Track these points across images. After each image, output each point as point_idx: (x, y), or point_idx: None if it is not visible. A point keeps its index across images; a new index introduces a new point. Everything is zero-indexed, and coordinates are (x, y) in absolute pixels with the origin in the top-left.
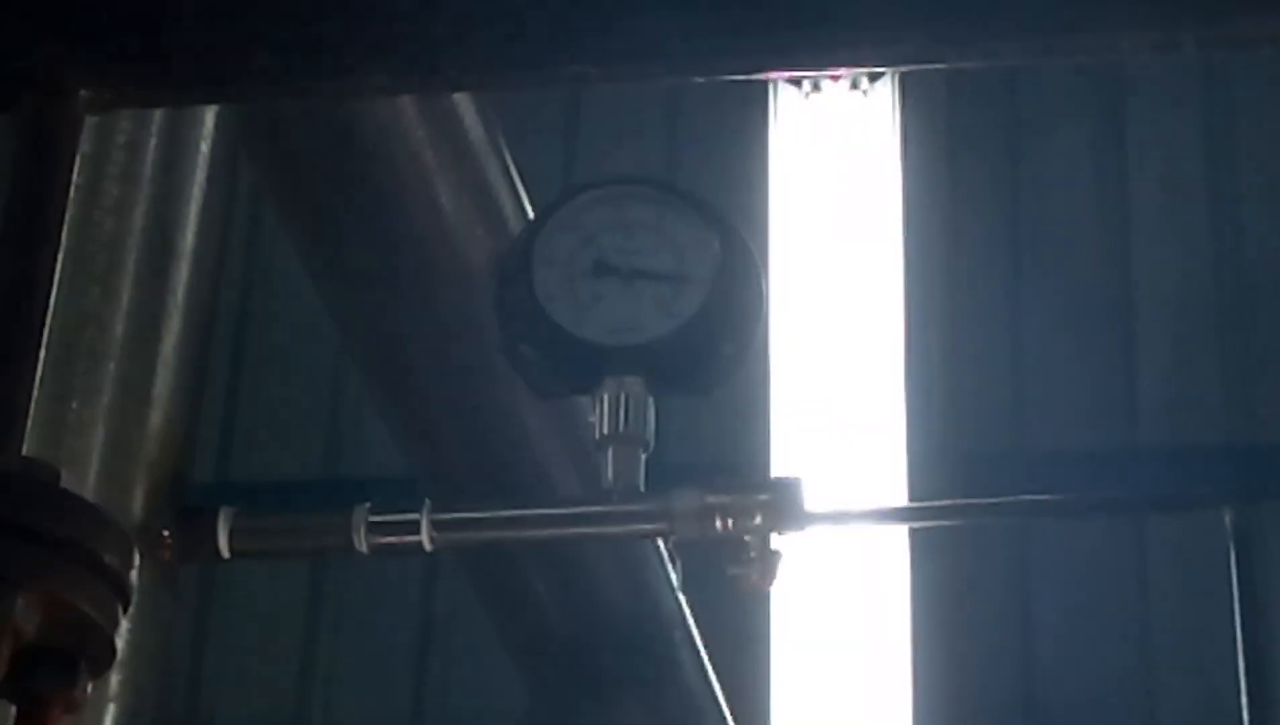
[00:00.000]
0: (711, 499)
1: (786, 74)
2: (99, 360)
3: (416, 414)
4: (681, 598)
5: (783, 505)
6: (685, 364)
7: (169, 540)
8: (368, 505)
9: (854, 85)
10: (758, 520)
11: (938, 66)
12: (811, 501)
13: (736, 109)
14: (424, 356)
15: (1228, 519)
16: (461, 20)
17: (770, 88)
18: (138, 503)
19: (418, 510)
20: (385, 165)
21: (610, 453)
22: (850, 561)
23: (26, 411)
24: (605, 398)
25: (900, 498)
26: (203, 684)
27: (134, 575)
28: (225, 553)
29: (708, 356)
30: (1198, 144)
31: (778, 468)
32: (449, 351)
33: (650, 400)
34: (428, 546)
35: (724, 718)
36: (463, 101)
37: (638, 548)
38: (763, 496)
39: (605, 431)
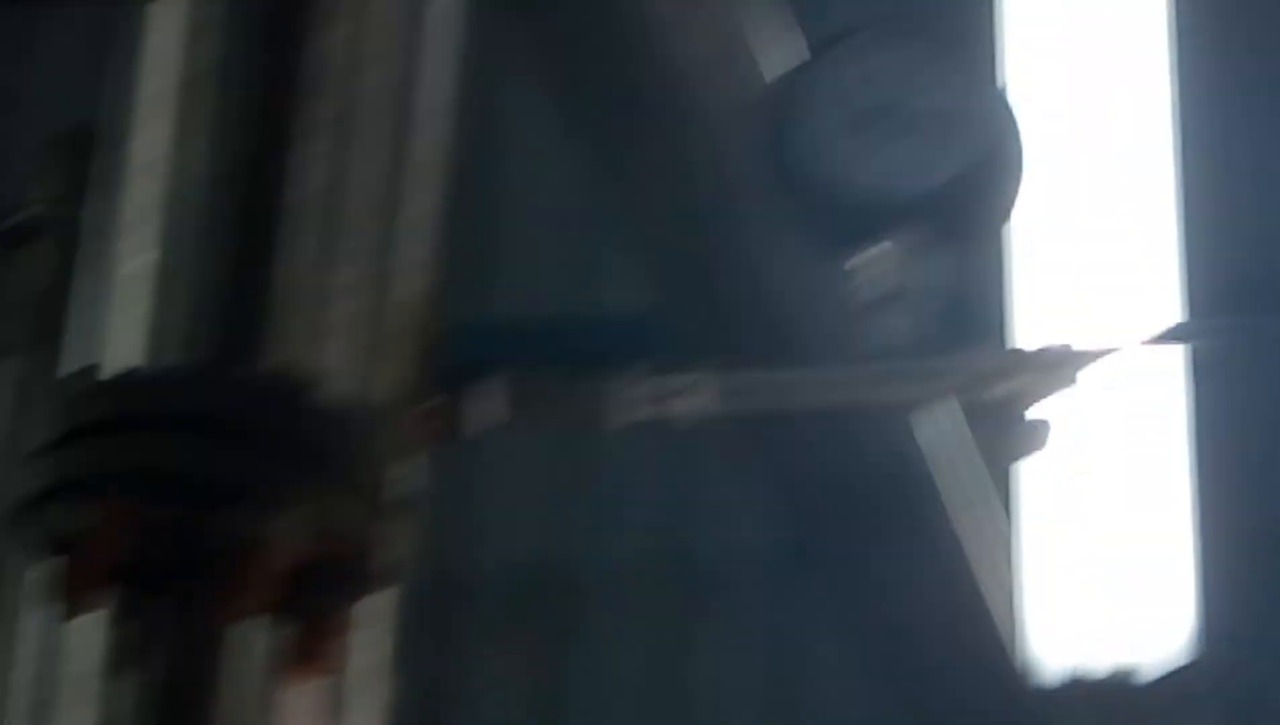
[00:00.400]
0: (1001, 360)
1: None
2: (340, 232)
3: (664, 263)
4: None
5: (1056, 367)
6: (968, 210)
7: (444, 411)
8: (648, 368)
9: None
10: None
11: None
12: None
13: None
14: (669, 202)
15: None
16: None
17: None
18: (399, 376)
19: (698, 372)
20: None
21: (895, 307)
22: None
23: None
24: (887, 249)
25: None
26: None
27: (400, 480)
28: (505, 420)
29: (990, 202)
30: None
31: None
32: (695, 197)
33: (935, 249)
34: (712, 411)
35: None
36: None
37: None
38: (1034, 361)
39: (889, 284)
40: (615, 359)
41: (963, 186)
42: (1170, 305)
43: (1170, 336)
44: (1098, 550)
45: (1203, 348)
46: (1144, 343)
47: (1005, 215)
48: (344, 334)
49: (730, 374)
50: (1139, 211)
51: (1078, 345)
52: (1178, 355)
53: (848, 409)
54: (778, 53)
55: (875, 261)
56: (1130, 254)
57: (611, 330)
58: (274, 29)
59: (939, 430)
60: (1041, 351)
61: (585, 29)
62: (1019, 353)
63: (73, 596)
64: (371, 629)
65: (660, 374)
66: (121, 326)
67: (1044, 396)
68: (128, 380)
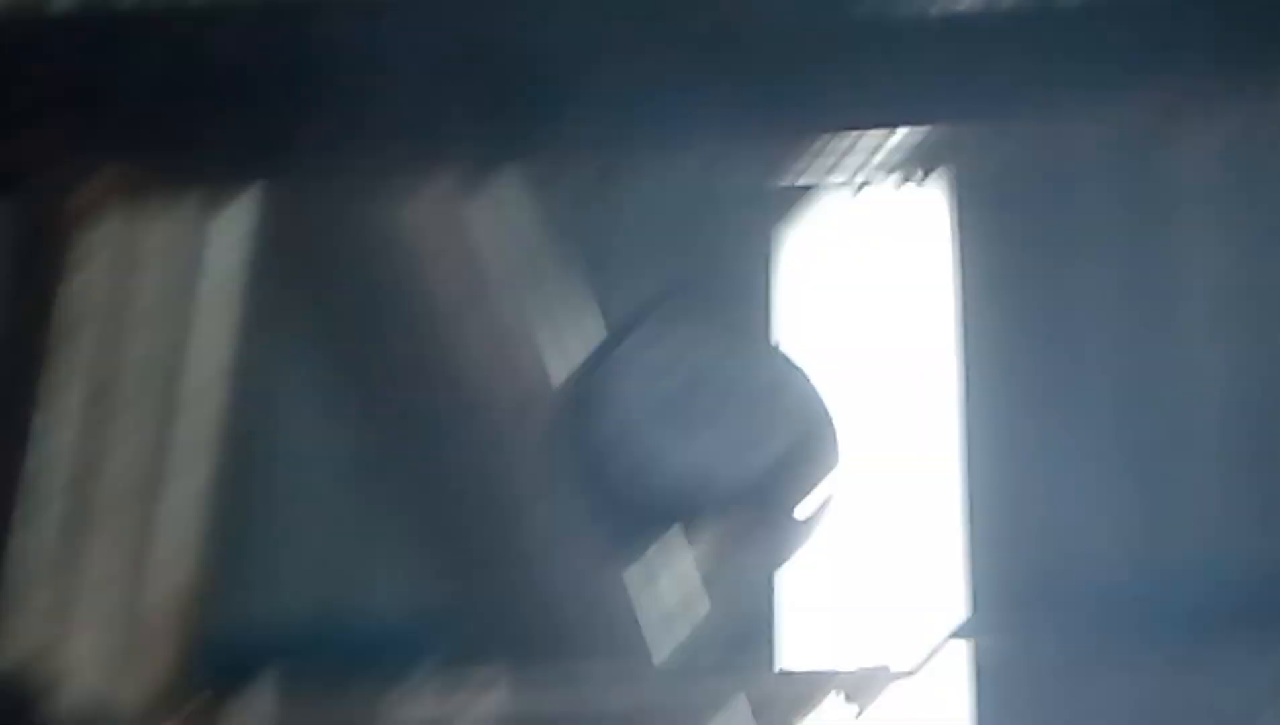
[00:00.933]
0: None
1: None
2: (103, 513)
3: (441, 558)
4: None
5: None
6: (758, 521)
7: (206, 715)
8: (425, 669)
9: (904, 182)
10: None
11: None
12: None
13: (780, 204)
14: (448, 501)
15: None
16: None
17: (816, 184)
18: (156, 677)
19: (478, 673)
20: (417, 286)
21: (678, 612)
22: None
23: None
24: (674, 553)
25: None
26: None
27: None
28: None
29: (782, 515)
30: (1243, 246)
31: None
32: (474, 498)
33: (724, 556)
34: (493, 713)
35: None
36: (508, 221)
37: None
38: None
39: (674, 590)
40: (397, 659)
41: (777, 475)
42: (954, 604)
43: (954, 635)
44: None
45: (986, 647)
46: (922, 651)
47: (810, 528)
48: (95, 628)
49: (517, 674)
50: (922, 511)
51: (852, 667)
52: (960, 653)
53: (636, 714)
54: (573, 339)
55: (673, 555)
56: (915, 553)
57: (393, 629)
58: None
59: None
60: (817, 675)
61: (366, 316)
62: (794, 675)
63: None
64: None
65: (444, 674)
66: None
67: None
68: None
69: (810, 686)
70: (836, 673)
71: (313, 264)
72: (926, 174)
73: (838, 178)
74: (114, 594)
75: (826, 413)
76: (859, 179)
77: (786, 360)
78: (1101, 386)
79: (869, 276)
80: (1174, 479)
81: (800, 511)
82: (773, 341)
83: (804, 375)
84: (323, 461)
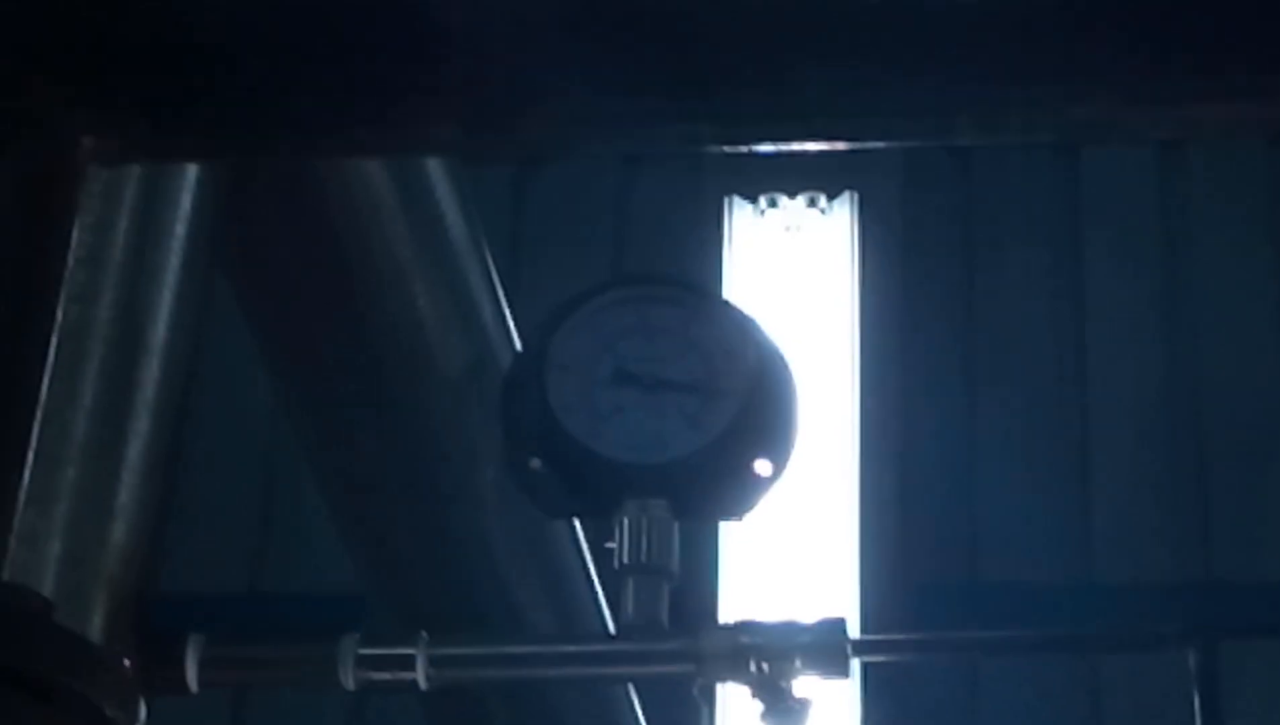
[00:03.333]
0: (746, 639)
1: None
2: (57, 465)
3: (374, 532)
4: None
5: (826, 648)
6: (714, 485)
7: (130, 670)
8: (357, 635)
9: (811, 203)
10: (797, 664)
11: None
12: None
13: (688, 226)
14: (386, 471)
15: (1192, 660)
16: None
17: (725, 203)
18: (96, 626)
19: (411, 643)
20: (358, 259)
21: (630, 583)
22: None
23: (9, 530)
24: (625, 521)
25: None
26: None
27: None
28: (194, 686)
29: (739, 477)
30: (1155, 274)
31: (727, 591)
32: (415, 466)
33: (675, 525)
34: (423, 684)
35: None
36: (445, 196)
37: (610, 686)
38: (804, 638)
39: (625, 560)
40: (321, 628)
41: (707, 460)
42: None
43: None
44: None
45: (874, 662)
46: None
47: (760, 490)
48: (59, 569)
49: (444, 647)
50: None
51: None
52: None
53: (563, 685)
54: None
55: (619, 531)
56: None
57: (318, 599)
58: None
59: None
60: (815, 624)
61: (307, 279)
62: (785, 626)
63: None
64: None
65: (369, 643)
66: None
67: (819, 677)
68: None
69: (755, 640)
70: (779, 627)
71: (265, 232)
72: (833, 193)
73: (749, 192)
74: (69, 543)
75: (785, 366)
76: (768, 195)
77: (742, 314)
78: (1005, 402)
79: (773, 292)
80: (1076, 495)
81: (760, 467)
82: (724, 298)
83: (760, 328)
84: (261, 430)
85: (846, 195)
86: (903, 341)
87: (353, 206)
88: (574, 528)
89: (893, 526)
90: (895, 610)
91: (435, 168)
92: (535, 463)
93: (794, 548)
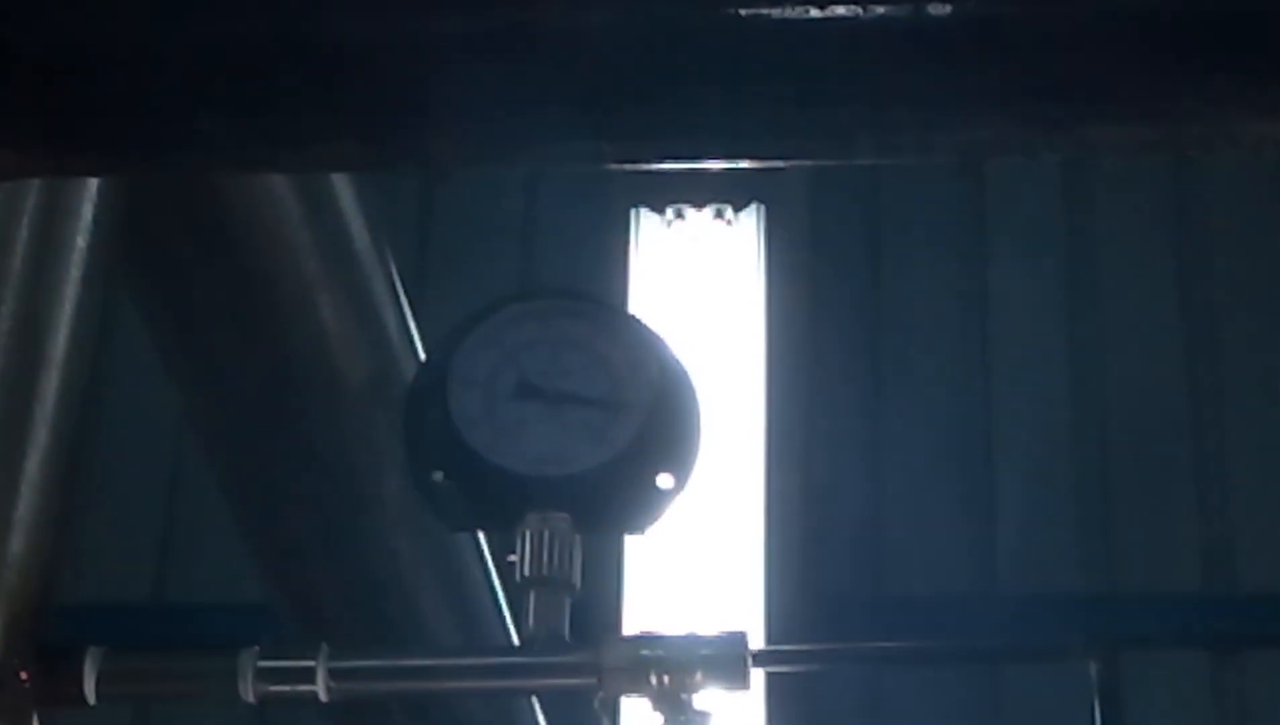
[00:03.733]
0: (647, 652)
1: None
2: None
3: (279, 543)
4: None
5: (726, 660)
6: (617, 499)
7: (27, 682)
8: (256, 648)
9: (718, 214)
10: (698, 677)
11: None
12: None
13: (596, 236)
14: (291, 482)
15: (1093, 670)
16: (461, 81)
17: (632, 214)
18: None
19: (311, 656)
20: (264, 272)
21: (532, 596)
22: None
23: None
24: (527, 534)
25: (758, 639)
26: None
27: None
28: (91, 698)
29: (642, 491)
30: (1059, 286)
31: (631, 603)
32: (320, 477)
33: (578, 539)
34: (323, 697)
35: None
36: (350, 208)
37: (513, 698)
38: (704, 650)
39: (527, 573)
40: (226, 640)
41: (611, 474)
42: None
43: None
44: None
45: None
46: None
47: (663, 504)
48: None
49: (345, 660)
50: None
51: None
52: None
53: (466, 697)
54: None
55: (521, 544)
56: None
57: (224, 610)
58: None
59: None
60: (716, 637)
61: (211, 290)
62: (686, 639)
63: None
64: None
65: (269, 656)
66: None
67: (721, 690)
68: None
69: (655, 653)
70: (679, 639)
71: (170, 244)
72: (740, 204)
73: (656, 203)
74: None
75: (689, 381)
76: (675, 206)
77: (646, 329)
78: (911, 414)
79: (681, 302)
80: (981, 506)
81: (662, 481)
82: (629, 312)
83: (664, 344)
84: (165, 438)
85: (753, 207)
86: (810, 352)
87: (257, 218)
88: (478, 540)
89: (799, 536)
90: (801, 620)
91: (340, 181)
92: (438, 475)
93: (700, 558)
